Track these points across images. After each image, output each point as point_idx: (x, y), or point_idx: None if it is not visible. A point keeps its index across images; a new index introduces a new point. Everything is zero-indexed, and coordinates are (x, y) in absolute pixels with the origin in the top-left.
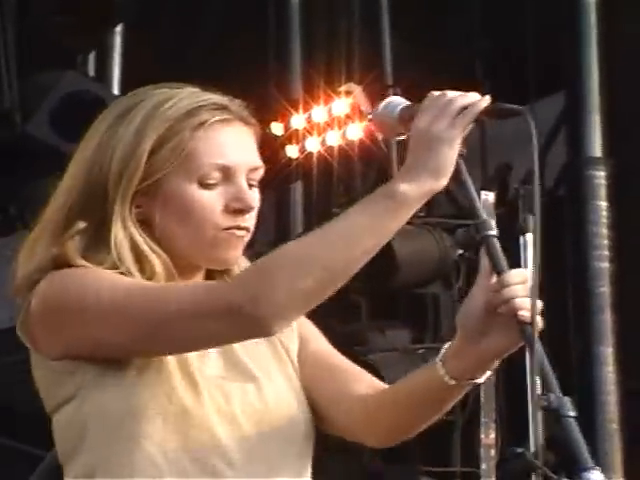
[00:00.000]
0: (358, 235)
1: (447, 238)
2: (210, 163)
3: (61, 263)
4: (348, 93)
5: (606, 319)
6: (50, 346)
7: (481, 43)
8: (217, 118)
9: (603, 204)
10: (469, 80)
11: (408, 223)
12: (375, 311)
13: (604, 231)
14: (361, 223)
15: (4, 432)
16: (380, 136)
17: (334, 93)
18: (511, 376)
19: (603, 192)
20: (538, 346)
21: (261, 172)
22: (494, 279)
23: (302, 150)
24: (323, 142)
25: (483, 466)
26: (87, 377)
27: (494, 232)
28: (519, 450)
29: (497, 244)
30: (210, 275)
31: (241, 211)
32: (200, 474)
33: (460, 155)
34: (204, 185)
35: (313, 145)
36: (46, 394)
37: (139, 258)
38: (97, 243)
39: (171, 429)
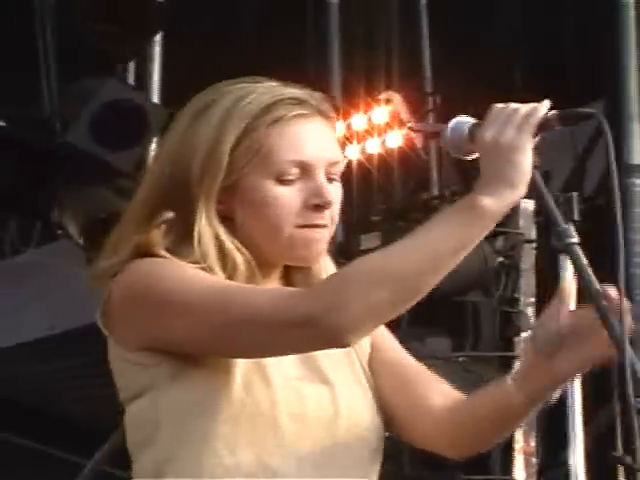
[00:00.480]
0: (438, 249)
1: (487, 245)
2: (287, 160)
3: (144, 252)
4: (388, 101)
5: None
6: (127, 337)
7: (520, 50)
8: (294, 113)
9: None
10: (508, 87)
11: None
12: (415, 319)
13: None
14: (442, 237)
15: (40, 438)
16: (419, 144)
17: (374, 101)
18: None
19: None
20: (629, 348)
21: (341, 166)
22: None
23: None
24: (363, 150)
25: (523, 474)
26: (162, 371)
27: (576, 239)
28: (618, 454)
29: (580, 252)
30: (290, 274)
31: (320, 207)
32: (267, 475)
33: (534, 165)
34: (282, 182)
35: (353, 153)
36: (121, 385)
37: (222, 255)
38: (181, 237)
39: (242, 430)
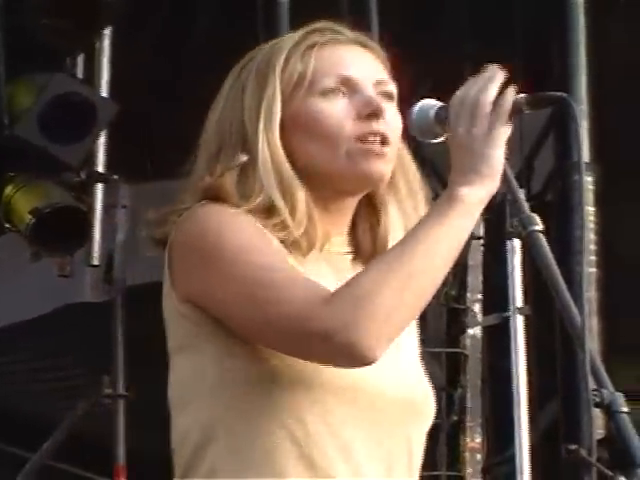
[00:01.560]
0: (438, 246)
1: None
2: (330, 74)
3: (213, 195)
4: None
5: (593, 324)
6: (179, 283)
7: (469, 47)
8: (328, 38)
9: (590, 209)
10: (457, 83)
11: None
12: None
13: (591, 236)
14: (438, 233)
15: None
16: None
17: None
18: (496, 380)
19: (590, 197)
20: (589, 342)
21: (392, 88)
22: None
23: None
24: None
25: (469, 470)
26: (205, 330)
27: (539, 227)
28: (573, 447)
29: (543, 239)
30: (356, 232)
31: (374, 115)
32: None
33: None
34: (327, 97)
35: None
36: (168, 333)
37: (283, 188)
38: (246, 180)
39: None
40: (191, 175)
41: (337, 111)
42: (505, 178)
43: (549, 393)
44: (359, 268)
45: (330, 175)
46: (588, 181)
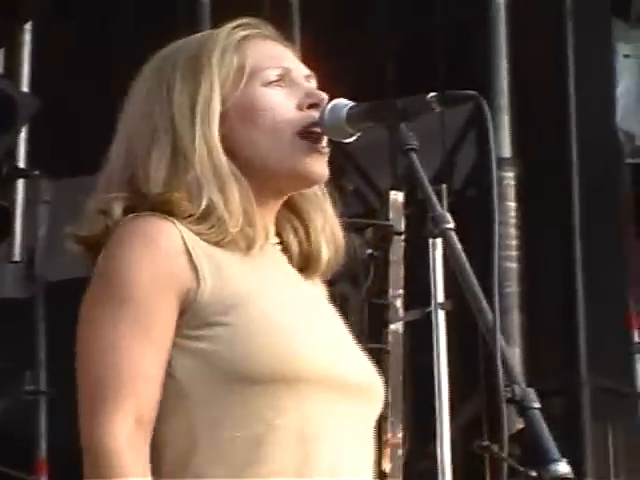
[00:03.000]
0: None
1: (356, 237)
2: (270, 65)
3: (151, 205)
4: None
5: (514, 320)
6: None
7: (391, 44)
8: (257, 31)
9: (512, 204)
10: (379, 80)
11: None
12: None
13: (512, 231)
14: None
15: None
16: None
17: None
18: (418, 375)
19: (512, 192)
20: (500, 337)
21: (314, 83)
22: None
23: None
24: None
25: (389, 465)
26: None
27: (451, 225)
28: (485, 443)
29: (455, 237)
30: (283, 232)
31: (315, 105)
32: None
33: (413, 149)
34: (270, 87)
35: None
36: None
37: (222, 186)
38: (178, 179)
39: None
40: (106, 171)
41: (281, 99)
42: (417, 175)
43: (471, 388)
44: (286, 261)
45: (273, 166)
46: (509, 176)
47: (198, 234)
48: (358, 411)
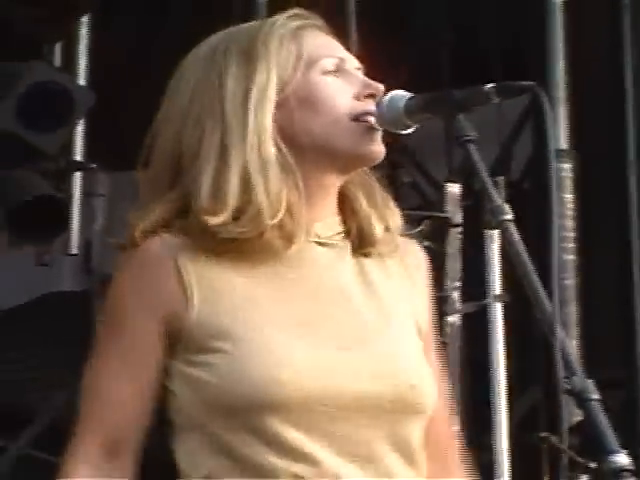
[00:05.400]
0: None
1: (413, 230)
2: (327, 55)
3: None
4: None
5: (571, 311)
6: None
7: (446, 34)
8: (310, 22)
9: (569, 196)
10: (434, 71)
11: None
12: None
13: (569, 223)
14: None
15: None
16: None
17: None
18: (475, 368)
19: (568, 184)
20: (560, 329)
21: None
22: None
23: None
24: None
25: None
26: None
27: (510, 216)
28: (543, 434)
29: (514, 229)
30: (347, 216)
31: (372, 96)
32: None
33: (471, 140)
34: (328, 76)
35: None
36: None
37: (266, 178)
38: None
39: None
40: (152, 169)
41: (340, 86)
42: (476, 167)
43: (528, 381)
44: (347, 251)
45: (332, 149)
46: (566, 168)
47: (221, 248)
48: (375, 422)
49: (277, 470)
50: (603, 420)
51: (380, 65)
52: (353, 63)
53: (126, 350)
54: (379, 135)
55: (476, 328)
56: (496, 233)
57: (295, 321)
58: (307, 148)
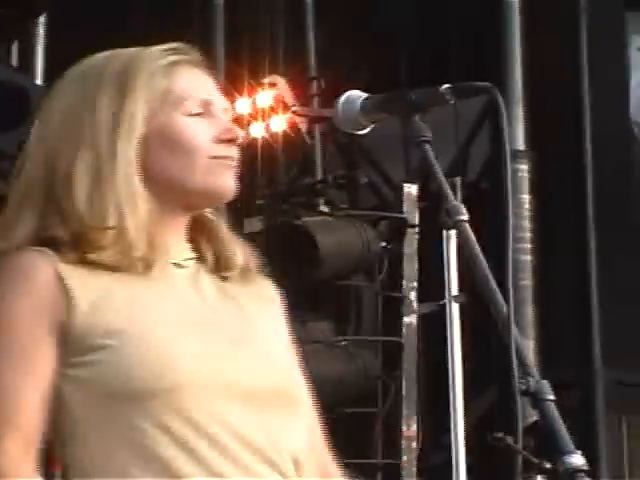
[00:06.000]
0: None
1: (370, 230)
2: (193, 96)
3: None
4: (272, 85)
5: (528, 312)
6: None
7: (404, 36)
8: (186, 58)
9: (525, 197)
10: (392, 74)
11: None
12: (297, 303)
13: (527, 224)
14: None
15: None
16: (304, 128)
17: (258, 85)
18: (432, 368)
19: (526, 185)
20: (514, 330)
21: (231, 115)
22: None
23: None
24: (247, 134)
25: (404, 458)
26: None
27: (465, 217)
28: (499, 435)
29: (469, 229)
30: (198, 240)
31: (231, 141)
32: None
33: (427, 141)
34: (192, 117)
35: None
36: None
37: (134, 210)
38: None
39: None
40: (23, 177)
41: (201, 130)
42: (430, 167)
43: (485, 381)
44: (203, 273)
45: (186, 189)
46: (523, 169)
47: (94, 263)
48: (263, 415)
49: (170, 460)
50: (558, 421)
51: (340, 67)
52: (220, 104)
53: (30, 361)
54: (232, 174)
55: (433, 329)
56: (453, 233)
57: (180, 320)
58: (162, 185)
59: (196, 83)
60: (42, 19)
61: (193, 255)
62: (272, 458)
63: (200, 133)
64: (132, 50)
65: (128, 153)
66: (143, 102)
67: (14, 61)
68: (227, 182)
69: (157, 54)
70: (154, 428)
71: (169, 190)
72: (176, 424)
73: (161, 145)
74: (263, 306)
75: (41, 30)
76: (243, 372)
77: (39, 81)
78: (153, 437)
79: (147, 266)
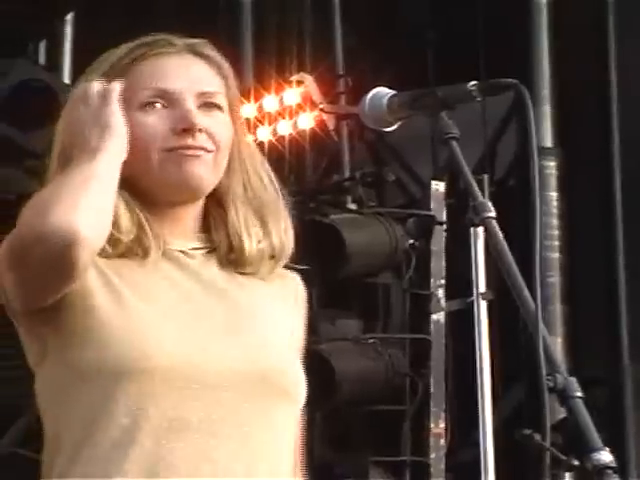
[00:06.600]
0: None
1: (398, 228)
2: (148, 87)
3: None
4: (299, 82)
5: (556, 309)
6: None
7: (431, 34)
8: (156, 51)
9: (553, 194)
10: (419, 72)
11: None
12: (326, 300)
13: (554, 221)
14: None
15: None
16: (331, 126)
17: (285, 82)
18: (460, 365)
19: (553, 182)
20: (542, 327)
21: (219, 97)
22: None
23: (254, 140)
24: (274, 132)
25: (432, 455)
26: (36, 347)
27: (492, 214)
28: (527, 432)
29: (496, 226)
30: (208, 229)
31: (187, 130)
32: None
33: (454, 138)
34: (146, 111)
35: (264, 134)
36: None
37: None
38: None
39: None
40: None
41: (153, 124)
42: (457, 164)
43: (513, 378)
44: (213, 263)
45: (148, 186)
46: (550, 166)
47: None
48: (242, 402)
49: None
50: (586, 417)
51: (367, 65)
52: (191, 90)
53: None
54: (197, 158)
55: (461, 326)
56: (481, 230)
57: (165, 305)
58: (130, 182)
59: (153, 72)
60: (69, 18)
61: (203, 244)
62: (238, 448)
63: (152, 127)
64: (111, 51)
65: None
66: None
67: (42, 60)
68: (187, 172)
69: (121, 53)
70: (123, 406)
71: (136, 187)
72: (146, 405)
73: None
74: (275, 299)
75: (68, 29)
76: (223, 360)
77: (67, 80)
78: (119, 410)
79: (143, 250)
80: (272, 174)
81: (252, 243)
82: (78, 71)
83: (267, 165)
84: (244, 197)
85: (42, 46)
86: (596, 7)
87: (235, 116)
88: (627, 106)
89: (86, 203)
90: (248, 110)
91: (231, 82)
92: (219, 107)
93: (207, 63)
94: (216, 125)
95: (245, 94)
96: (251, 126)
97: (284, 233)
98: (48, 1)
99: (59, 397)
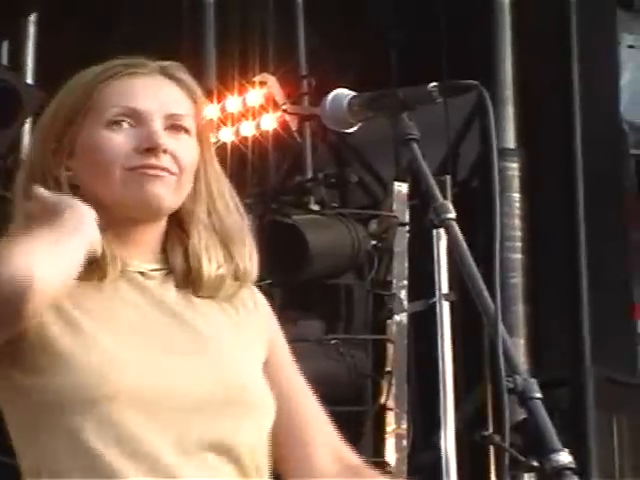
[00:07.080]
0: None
1: (361, 229)
2: (116, 105)
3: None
4: (262, 83)
5: (518, 310)
6: None
7: (394, 35)
8: (128, 71)
9: (516, 195)
10: (382, 73)
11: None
12: (288, 302)
13: (517, 222)
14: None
15: None
16: (294, 126)
17: (248, 83)
18: (422, 366)
19: (516, 183)
20: (502, 329)
21: (188, 120)
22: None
23: (216, 141)
24: (237, 132)
25: (395, 456)
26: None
27: (452, 215)
28: (487, 433)
29: (456, 227)
30: (172, 236)
31: (151, 150)
32: None
33: (414, 139)
34: (112, 129)
35: (227, 135)
36: None
37: None
38: None
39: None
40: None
41: (117, 141)
42: (417, 165)
43: (475, 379)
44: (170, 284)
45: (110, 204)
46: (513, 167)
47: None
48: (209, 421)
49: (112, 464)
50: (545, 419)
51: (329, 67)
52: (159, 111)
53: None
54: (160, 179)
55: (423, 327)
56: (443, 232)
57: (124, 329)
58: (92, 201)
59: (122, 91)
60: (32, 18)
61: (162, 266)
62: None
63: (117, 145)
64: (84, 71)
65: (55, 170)
66: (65, 120)
67: (4, 60)
68: (149, 192)
69: (96, 72)
70: (91, 431)
71: (99, 205)
72: (110, 431)
73: (83, 160)
74: (233, 318)
75: (32, 29)
76: (184, 383)
77: (30, 80)
78: (89, 438)
79: (102, 275)
80: (238, 199)
81: (211, 267)
82: (41, 71)
83: (234, 192)
84: (208, 222)
85: (5, 46)
86: (559, 7)
87: (204, 140)
88: (590, 106)
89: (43, 254)
90: (211, 111)
91: (201, 106)
92: (186, 130)
93: (178, 85)
94: (181, 148)
95: (208, 95)
96: (214, 127)
97: (248, 259)
98: (11, 1)
99: (31, 432)
